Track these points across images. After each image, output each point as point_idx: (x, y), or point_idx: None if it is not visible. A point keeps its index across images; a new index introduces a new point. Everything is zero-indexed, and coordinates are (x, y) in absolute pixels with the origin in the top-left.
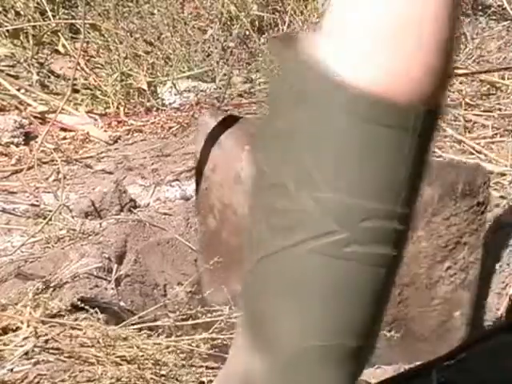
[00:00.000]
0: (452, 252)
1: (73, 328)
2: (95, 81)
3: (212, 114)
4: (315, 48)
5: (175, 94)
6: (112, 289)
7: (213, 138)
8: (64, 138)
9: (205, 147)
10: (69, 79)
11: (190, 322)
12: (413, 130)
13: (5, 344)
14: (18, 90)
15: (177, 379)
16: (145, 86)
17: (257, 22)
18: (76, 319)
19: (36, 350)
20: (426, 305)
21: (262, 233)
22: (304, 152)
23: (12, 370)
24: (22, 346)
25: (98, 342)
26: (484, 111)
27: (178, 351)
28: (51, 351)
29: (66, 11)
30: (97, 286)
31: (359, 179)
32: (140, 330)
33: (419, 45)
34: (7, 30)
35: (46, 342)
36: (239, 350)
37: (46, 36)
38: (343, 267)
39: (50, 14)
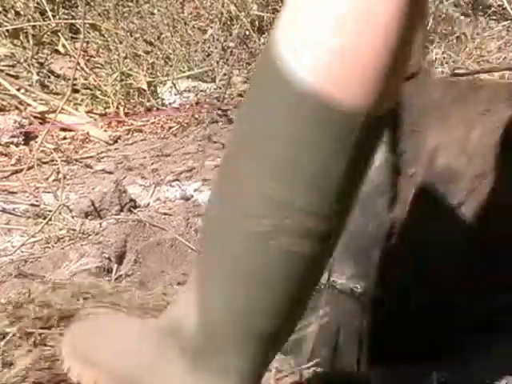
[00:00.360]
0: None
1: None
2: (95, 81)
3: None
4: (277, 44)
5: (175, 94)
6: (112, 288)
7: None
8: (64, 138)
9: None
10: (69, 79)
11: None
12: (353, 137)
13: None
14: (18, 90)
15: None
16: (145, 86)
17: (257, 22)
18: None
19: (36, 349)
20: None
21: (221, 210)
22: (254, 139)
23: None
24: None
25: None
26: None
27: None
28: (51, 351)
29: (66, 11)
30: (97, 286)
31: (297, 175)
32: None
33: (368, 52)
34: (7, 30)
35: (46, 341)
36: (184, 299)
37: (46, 36)
38: (270, 251)
39: (50, 13)
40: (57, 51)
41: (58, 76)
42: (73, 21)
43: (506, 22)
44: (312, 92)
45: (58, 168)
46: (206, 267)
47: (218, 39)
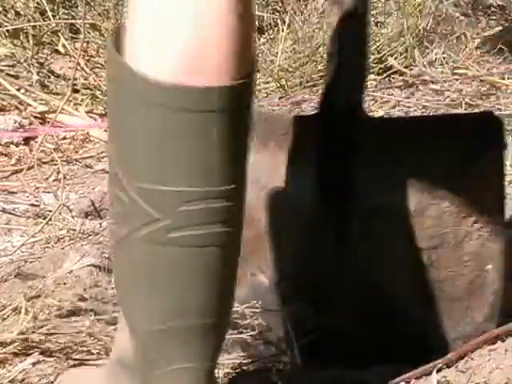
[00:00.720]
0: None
1: (72, 327)
2: (95, 81)
3: None
4: (124, 44)
5: None
6: (112, 289)
7: None
8: (64, 138)
9: None
10: (69, 79)
11: None
12: (219, 111)
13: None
14: (18, 90)
15: None
16: None
17: (257, 22)
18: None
19: (36, 349)
20: (456, 264)
21: (111, 223)
22: (124, 142)
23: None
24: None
25: (98, 341)
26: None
27: None
28: (51, 351)
29: (66, 11)
30: (97, 285)
31: (170, 167)
32: None
33: (204, 26)
34: (7, 30)
35: (46, 341)
36: (119, 327)
37: (45, 36)
38: (172, 253)
39: (50, 13)
40: (57, 51)
41: (58, 76)
42: (73, 21)
43: (506, 22)
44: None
45: (58, 168)
46: (121, 290)
47: None
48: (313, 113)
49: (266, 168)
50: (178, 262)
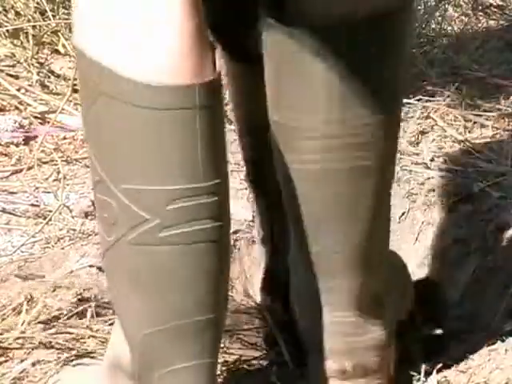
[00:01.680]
0: None
1: (73, 327)
2: None
3: None
4: (87, 40)
5: None
6: None
7: None
8: (64, 138)
9: None
10: (69, 79)
11: None
12: (201, 108)
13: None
14: (18, 90)
15: None
16: None
17: None
18: (76, 319)
19: (36, 349)
20: None
21: (99, 229)
22: (105, 144)
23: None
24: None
25: (99, 341)
26: (484, 111)
27: None
28: (51, 351)
29: (66, 11)
30: (97, 285)
31: (154, 165)
32: None
33: (172, 23)
34: (7, 30)
35: (46, 341)
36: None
37: (46, 36)
38: (164, 252)
39: (50, 13)
40: (57, 51)
41: (58, 76)
42: None
43: (506, 22)
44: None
45: (58, 168)
46: (115, 296)
47: None
48: None
49: None
50: (171, 262)
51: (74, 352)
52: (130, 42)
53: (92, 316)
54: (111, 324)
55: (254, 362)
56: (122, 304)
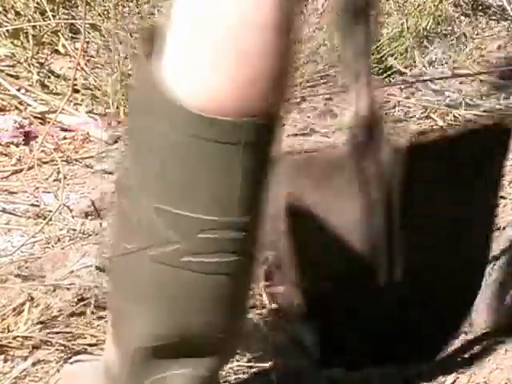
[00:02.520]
0: None
1: (73, 327)
2: (95, 81)
3: None
4: (160, 68)
5: None
6: None
7: None
8: (64, 138)
9: None
10: (69, 79)
11: None
12: (242, 144)
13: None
14: (18, 90)
15: None
16: None
17: None
18: (76, 319)
19: (36, 349)
20: None
21: (115, 230)
22: (147, 161)
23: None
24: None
25: (98, 341)
26: (484, 111)
27: None
28: (51, 351)
29: (66, 11)
30: (97, 285)
31: (194, 194)
32: None
33: (242, 62)
34: (7, 30)
35: (46, 341)
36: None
37: (46, 36)
38: (182, 276)
39: (49, 14)
40: (57, 51)
41: (58, 76)
42: (73, 21)
43: (505, 22)
44: (196, 113)
45: (58, 168)
46: (116, 301)
47: None
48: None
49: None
50: (187, 285)
51: (74, 352)
52: (187, 70)
53: (92, 316)
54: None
55: (255, 362)
56: (124, 310)
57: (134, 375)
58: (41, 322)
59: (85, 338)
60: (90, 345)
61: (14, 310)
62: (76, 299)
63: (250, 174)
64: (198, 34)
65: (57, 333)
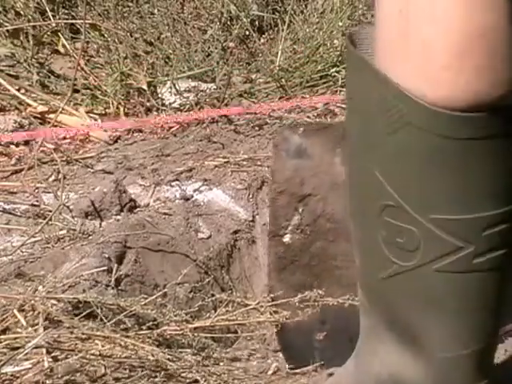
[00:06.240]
0: None
1: (73, 327)
2: (95, 81)
3: (290, 129)
4: (393, 69)
5: (175, 94)
6: (112, 289)
7: (295, 153)
8: (64, 138)
9: (286, 164)
10: (69, 79)
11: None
12: (503, 134)
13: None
14: (18, 90)
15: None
16: (145, 86)
17: (257, 22)
18: (76, 320)
19: (36, 349)
20: None
21: (376, 254)
22: (406, 173)
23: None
24: (23, 345)
25: (97, 341)
26: None
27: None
28: (51, 351)
29: (66, 11)
30: (97, 285)
31: (467, 194)
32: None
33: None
34: (7, 30)
35: (46, 341)
36: (375, 353)
37: (46, 36)
38: (472, 280)
39: (50, 13)
40: (57, 51)
41: (58, 76)
42: (73, 21)
43: None
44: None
45: (58, 168)
46: (407, 318)
47: (217, 39)
48: None
49: None
50: (478, 288)
51: (73, 352)
52: (445, 77)
53: (92, 316)
54: (111, 324)
55: (256, 362)
56: (420, 323)
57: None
58: (40, 323)
59: (85, 338)
60: (91, 345)
61: (14, 310)
62: (76, 299)
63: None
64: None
65: (56, 333)
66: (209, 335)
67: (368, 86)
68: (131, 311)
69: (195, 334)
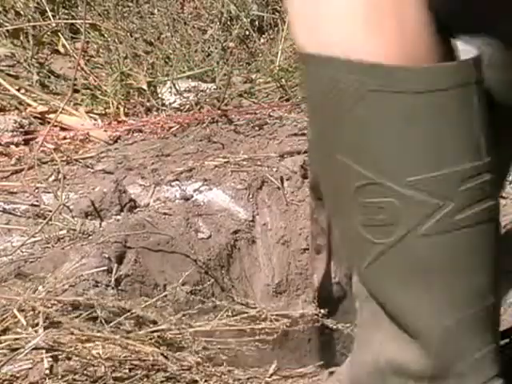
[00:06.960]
0: None
1: (73, 327)
2: (95, 81)
3: None
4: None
5: (175, 94)
6: (112, 289)
7: None
8: (64, 138)
9: None
10: (69, 79)
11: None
12: (477, 82)
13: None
14: (18, 90)
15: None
16: (145, 86)
17: (257, 22)
18: (76, 320)
19: (36, 349)
20: None
21: (357, 241)
22: (375, 144)
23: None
24: (23, 346)
25: (97, 341)
26: None
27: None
28: (51, 351)
29: (66, 11)
30: (97, 285)
31: (442, 149)
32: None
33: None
34: (7, 30)
35: (46, 341)
36: (370, 343)
37: (46, 36)
38: (459, 238)
39: (49, 13)
40: (57, 51)
41: (58, 76)
42: (73, 21)
43: None
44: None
45: (58, 168)
46: (396, 300)
47: (217, 39)
48: None
49: None
50: (466, 245)
51: (73, 352)
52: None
53: (91, 316)
54: (110, 324)
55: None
56: (408, 302)
57: (443, 362)
58: (40, 323)
59: (84, 338)
60: (91, 345)
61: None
62: (76, 299)
63: (482, 111)
64: None
65: (56, 333)
66: (209, 339)
67: (317, 75)
68: (131, 313)
69: (195, 338)
